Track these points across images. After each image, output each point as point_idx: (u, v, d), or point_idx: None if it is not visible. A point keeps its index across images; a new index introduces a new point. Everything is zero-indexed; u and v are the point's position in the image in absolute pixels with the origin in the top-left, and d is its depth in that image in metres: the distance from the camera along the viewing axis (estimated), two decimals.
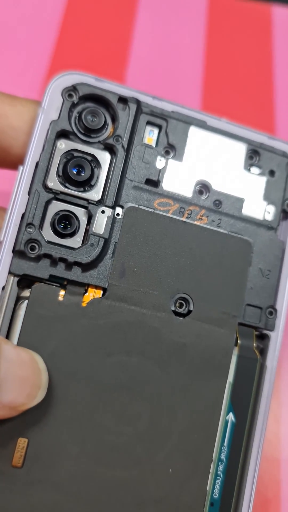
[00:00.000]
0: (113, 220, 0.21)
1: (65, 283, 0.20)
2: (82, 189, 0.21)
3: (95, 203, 0.21)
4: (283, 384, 0.30)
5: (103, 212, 0.21)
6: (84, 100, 0.21)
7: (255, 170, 0.23)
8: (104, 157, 0.21)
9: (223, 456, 0.21)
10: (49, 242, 0.20)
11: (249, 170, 0.23)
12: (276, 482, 0.27)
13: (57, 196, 0.20)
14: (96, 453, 0.19)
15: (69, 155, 0.21)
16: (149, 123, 0.22)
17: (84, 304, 0.20)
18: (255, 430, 0.21)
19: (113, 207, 0.21)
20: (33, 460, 0.19)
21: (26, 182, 0.20)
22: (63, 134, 0.21)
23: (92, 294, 0.20)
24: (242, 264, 0.22)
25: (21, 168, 0.20)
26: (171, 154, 0.22)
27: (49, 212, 0.20)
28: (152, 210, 0.21)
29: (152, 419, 0.20)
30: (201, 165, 0.22)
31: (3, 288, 0.19)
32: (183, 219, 0.21)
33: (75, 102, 0.21)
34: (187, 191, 0.22)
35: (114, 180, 0.21)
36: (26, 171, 0.20)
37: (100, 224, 0.21)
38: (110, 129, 0.21)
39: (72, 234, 0.20)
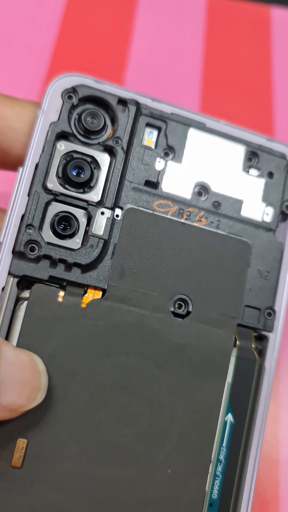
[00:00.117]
0: (112, 221, 0.21)
1: (65, 284, 0.20)
2: (81, 190, 0.21)
3: (94, 204, 0.21)
4: (282, 386, 0.30)
5: (102, 213, 0.21)
6: (83, 101, 0.21)
7: (253, 172, 0.23)
8: (104, 159, 0.21)
9: (222, 457, 0.21)
10: (48, 243, 0.20)
11: (247, 172, 0.23)
12: (274, 483, 0.28)
13: (56, 197, 0.20)
14: (95, 453, 0.20)
15: (69, 156, 0.21)
16: (148, 124, 0.22)
17: (83, 305, 0.20)
18: (254, 430, 0.21)
19: (112, 209, 0.21)
20: (33, 461, 0.19)
21: (26, 184, 0.20)
22: (62, 136, 0.21)
23: (92, 295, 0.20)
24: (241, 265, 0.22)
25: (21, 169, 0.20)
26: (170, 156, 0.22)
27: (49, 213, 0.20)
28: (151, 212, 0.21)
29: (151, 420, 0.20)
30: (200, 167, 0.22)
31: (3, 289, 0.19)
32: (182, 220, 0.22)
33: (75, 104, 0.21)
34: (186, 193, 0.22)
35: (114, 181, 0.21)
36: (26, 173, 0.20)
37: (100, 225, 0.21)
38: (109, 130, 0.21)
39: (71, 235, 0.20)
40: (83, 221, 0.21)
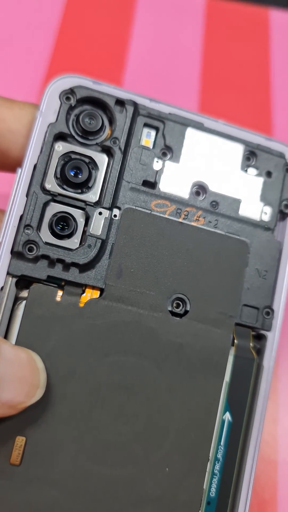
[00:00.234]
0: (110, 221, 0.21)
1: (63, 283, 0.20)
2: (79, 191, 0.21)
3: (92, 204, 0.21)
4: (281, 385, 0.30)
5: (100, 213, 0.21)
6: (81, 102, 0.21)
7: (252, 171, 0.23)
8: (102, 159, 0.21)
9: (219, 455, 0.21)
10: (47, 243, 0.20)
11: (246, 171, 0.23)
12: (273, 483, 0.28)
13: (54, 198, 0.20)
14: (93, 451, 0.20)
15: (67, 157, 0.21)
16: (146, 125, 0.22)
17: (81, 305, 0.20)
18: (252, 429, 0.21)
19: (110, 209, 0.21)
20: (31, 458, 0.19)
21: (24, 184, 0.20)
22: (60, 137, 0.21)
23: (90, 294, 0.20)
24: (239, 264, 0.22)
25: (19, 170, 0.20)
26: (168, 156, 0.22)
27: (47, 213, 0.20)
28: (149, 211, 0.21)
29: (149, 418, 0.20)
30: (198, 167, 0.22)
31: (2, 288, 0.20)
32: (180, 220, 0.22)
33: (73, 105, 0.21)
34: (184, 193, 0.22)
35: (112, 181, 0.21)
36: (24, 173, 0.20)
37: (98, 225, 0.21)
38: (107, 131, 0.21)
39: (69, 235, 0.20)
40: (81, 221, 0.21)
